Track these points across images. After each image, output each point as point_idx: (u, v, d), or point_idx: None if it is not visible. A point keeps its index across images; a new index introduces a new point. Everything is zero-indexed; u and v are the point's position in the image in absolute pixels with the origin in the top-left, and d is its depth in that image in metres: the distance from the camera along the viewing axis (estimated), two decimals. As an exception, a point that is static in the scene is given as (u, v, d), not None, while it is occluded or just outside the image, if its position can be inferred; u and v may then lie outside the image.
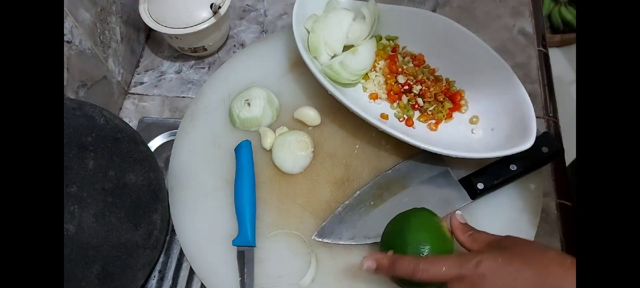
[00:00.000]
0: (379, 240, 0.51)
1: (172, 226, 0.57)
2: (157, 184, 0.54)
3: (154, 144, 0.66)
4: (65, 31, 0.56)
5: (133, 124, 0.68)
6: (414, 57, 0.63)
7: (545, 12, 1.73)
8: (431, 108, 0.59)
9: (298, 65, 0.65)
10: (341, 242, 0.52)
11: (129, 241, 0.48)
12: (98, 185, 0.46)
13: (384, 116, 0.59)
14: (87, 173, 0.46)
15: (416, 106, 0.59)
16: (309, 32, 0.62)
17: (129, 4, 0.70)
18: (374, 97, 0.61)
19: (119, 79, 0.69)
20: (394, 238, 0.46)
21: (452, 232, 0.46)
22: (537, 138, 0.52)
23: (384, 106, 0.61)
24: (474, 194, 0.53)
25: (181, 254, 0.58)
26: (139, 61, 0.75)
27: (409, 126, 0.59)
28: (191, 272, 0.57)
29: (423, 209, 0.48)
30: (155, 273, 0.57)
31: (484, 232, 0.44)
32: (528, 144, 0.51)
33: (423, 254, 0.43)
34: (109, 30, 0.66)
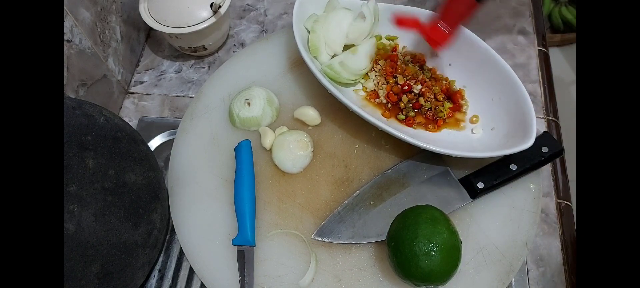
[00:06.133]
0: (379, 239, 0.52)
1: (172, 225, 0.57)
2: (157, 183, 0.54)
3: (153, 143, 0.66)
4: (65, 30, 0.56)
5: (133, 123, 0.68)
6: (414, 57, 0.63)
7: (545, 12, 1.73)
8: (431, 108, 0.59)
9: (298, 64, 0.65)
10: (341, 242, 0.52)
11: (129, 240, 0.48)
12: (98, 184, 0.46)
13: (384, 115, 0.59)
14: (87, 172, 0.46)
15: (416, 106, 0.59)
16: (309, 32, 0.62)
17: (129, 3, 0.70)
18: (373, 96, 0.61)
19: (119, 78, 0.69)
20: (404, 231, 0.46)
21: None
22: (537, 138, 0.52)
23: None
24: (474, 194, 0.53)
25: (181, 253, 0.58)
26: (139, 60, 0.75)
27: (409, 126, 0.59)
28: (191, 271, 0.57)
29: (430, 205, 0.48)
30: (155, 273, 0.57)
31: None
32: (528, 143, 0.51)
33: (432, 248, 0.44)
34: (109, 29, 0.66)
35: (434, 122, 0.58)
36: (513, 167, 0.53)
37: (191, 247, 0.54)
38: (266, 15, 0.79)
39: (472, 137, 0.58)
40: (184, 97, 0.71)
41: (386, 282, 0.50)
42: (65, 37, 0.56)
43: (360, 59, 0.60)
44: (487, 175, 0.53)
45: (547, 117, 0.67)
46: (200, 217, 0.55)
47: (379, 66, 0.62)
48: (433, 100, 0.59)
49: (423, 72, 0.61)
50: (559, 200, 0.61)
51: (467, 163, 0.56)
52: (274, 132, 0.59)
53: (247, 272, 0.51)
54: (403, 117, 0.59)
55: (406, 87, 0.60)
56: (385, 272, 0.51)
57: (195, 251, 0.53)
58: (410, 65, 0.62)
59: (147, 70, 0.74)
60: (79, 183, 0.45)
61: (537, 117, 0.54)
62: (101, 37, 0.63)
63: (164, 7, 0.66)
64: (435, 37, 0.56)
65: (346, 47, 0.62)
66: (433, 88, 0.59)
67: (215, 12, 0.66)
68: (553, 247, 0.58)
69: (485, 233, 0.52)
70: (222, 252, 0.53)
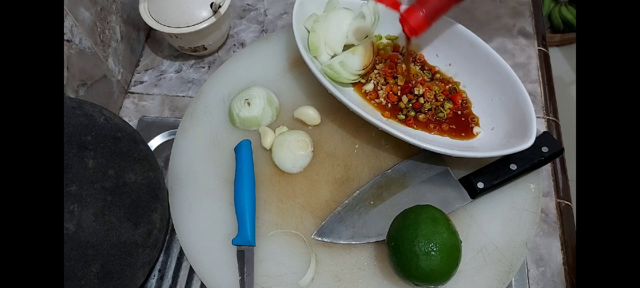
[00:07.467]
0: (379, 239, 0.52)
1: (172, 225, 0.57)
2: (157, 183, 0.54)
3: (153, 143, 0.66)
4: (65, 30, 0.56)
5: (133, 123, 0.68)
6: (414, 58, 0.63)
7: (545, 12, 1.73)
8: (431, 108, 0.59)
9: (298, 64, 0.65)
10: (341, 242, 0.52)
11: (129, 240, 0.48)
12: (98, 184, 0.46)
13: (384, 115, 0.59)
14: (87, 172, 0.46)
15: (416, 106, 0.59)
16: (309, 32, 0.62)
17: (129, 3, 0.70)
18: (373, 96, 0.61)
19: (119, 78, 0.69)
20: (404, 231, 0.46)
21: None
22: (537, 138, 0.52)
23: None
24: (474, 194, 0.53)
25: (181, 253, 0.58)
26: (139, 60, 0.75)
27: (409, 126, 0.59)
28: (191, 271, 0.57)
29: (430, 205, 0.48)
30: (155, 273, 0.57)
31: None
32: (528, 143, 0.51)
33: (432, 248, 0.44)
34: (109, 29, 0.66)
35: (434, 122, 0.58)
36: (513, 167, 0.53)
37: (191, 247, 0.54)
38: (266, 15, 0.79)
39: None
40: (184, 97, 0.71)
41: (386, 282, 0.50)
42: (65, 37, 0.56)
43: (360, 59, 0.60)
44: (487, 175, 0.53)
45: (547, 117, 0.67)
46: (200, 217, 0.55)
47: (379, 66, 0.62)
48: (433, 100, 0.59)
49: (424, 73, 0.61)
50: (559, 200, 0.61)
51: (467, 163, 0.56)
52: (274, 132, 0.59)
53: (247, 272, 0.51)
54: (403, 117, 0.59)
55: (406, 88, 0.60)
56: (385, 272, 0.51)
57: (195, 251, 0.53)
58: (410, 65, 0.62)
59: (147, 70, 0.74)
60: (79, 183, 0.45)
61: (537, 117, 0.54)
62: (101, 37, 0.63)
63: (164, 7, 0.66)
64: (412, 22, 0.54)
65: (346, 47, 0.62)
66: (433, 88, 0.59)
67: (215, 12, 0.66)
68: (553, 247, 0.58)
69: (485, 233, 0.52)
70: (222, 252, 0.53)
